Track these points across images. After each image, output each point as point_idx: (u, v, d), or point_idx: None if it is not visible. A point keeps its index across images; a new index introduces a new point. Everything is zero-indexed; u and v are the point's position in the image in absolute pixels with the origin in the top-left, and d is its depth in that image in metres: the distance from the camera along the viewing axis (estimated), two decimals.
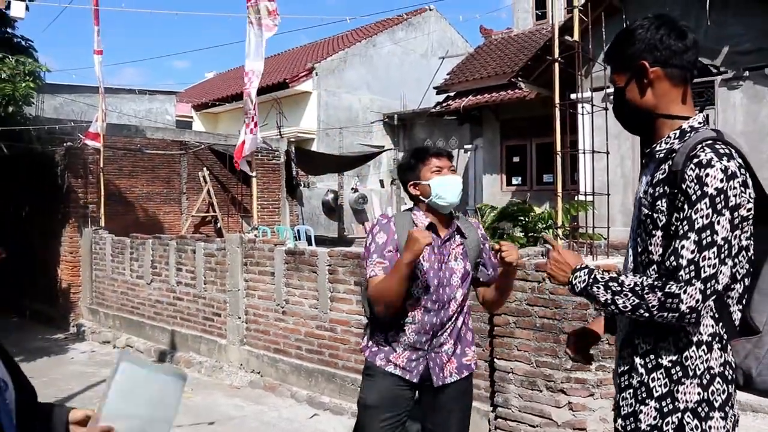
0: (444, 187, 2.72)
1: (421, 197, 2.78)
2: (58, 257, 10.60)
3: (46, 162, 10.80)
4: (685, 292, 1.61)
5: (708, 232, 1.61)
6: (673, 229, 1.70)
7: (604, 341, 4.20)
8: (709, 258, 1.61)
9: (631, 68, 1.85)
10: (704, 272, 1.61)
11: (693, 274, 1.61)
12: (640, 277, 1.74)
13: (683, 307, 1.62)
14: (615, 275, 1.80)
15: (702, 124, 1.81)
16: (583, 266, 1.88)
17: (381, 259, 2.70)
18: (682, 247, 1.64)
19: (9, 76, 8.38)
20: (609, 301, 1.75)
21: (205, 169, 13.09)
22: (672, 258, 1.65)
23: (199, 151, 13.01)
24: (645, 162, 1.92)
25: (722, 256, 1.63)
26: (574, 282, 1.87)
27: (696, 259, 1.62)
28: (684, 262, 1.62)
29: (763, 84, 9.23)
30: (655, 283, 1.67)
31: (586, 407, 4.20)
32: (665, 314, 1.65)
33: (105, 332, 9.32)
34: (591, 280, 1.81)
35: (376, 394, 2.76)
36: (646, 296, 1.67)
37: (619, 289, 1.74)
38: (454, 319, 2.76)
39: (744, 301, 1.76)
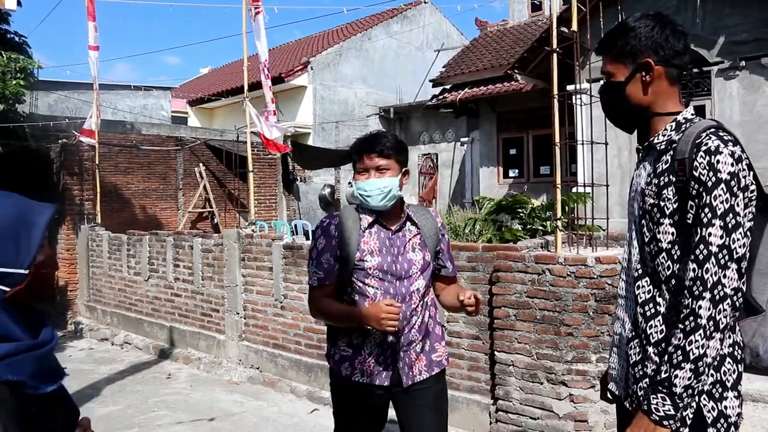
0: (363, 192, 2.58)
1: None
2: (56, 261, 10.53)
3: (41, 159, 10.75)
4: (725, 276, 1.65)
5: (731, 215, 1.67)
6: (688, 216, 1.74)
7: (605, 333, 4.20)
8: (738, 239, 1.67)
9: (634, 64, 1.89)
10: (736, 253, 1.67)
11: (727, 257, 1.66)
12: (673, 319, 1.77)
13: (728, 291, 1.65)
14: (661, 361, 1.75)
15: (694, 116, 1.89)
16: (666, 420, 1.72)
17: (317, 269, 2.62)
18: (710, 234, 1.68)
19: (0, 73, 8.33)
20: (696, 366, 1.66)
21: (201, 164, 13.05)
22: (702, 246, 1.68)
23: (195, 147, 12.97)
24: (642, 155, 1.98)
25: (745, 234, 1.69)
26: (672, 418, 1.71)
27: (726, 243, 1.67)
28: (715, 249, 1.67)
29: (760, 74, 9.20)
30: (692, 293, 1.68)
31: (587, 399, 4.20)
32: (721, 306, 1.65)
33: (103, 329, 9.30)
34: (674, 399, 1.69)
35: (348, 406, 2.68)
36: (697, 313, 1.66)
37: (683, 347, 1.68)
38: (419, 313, 2.63)
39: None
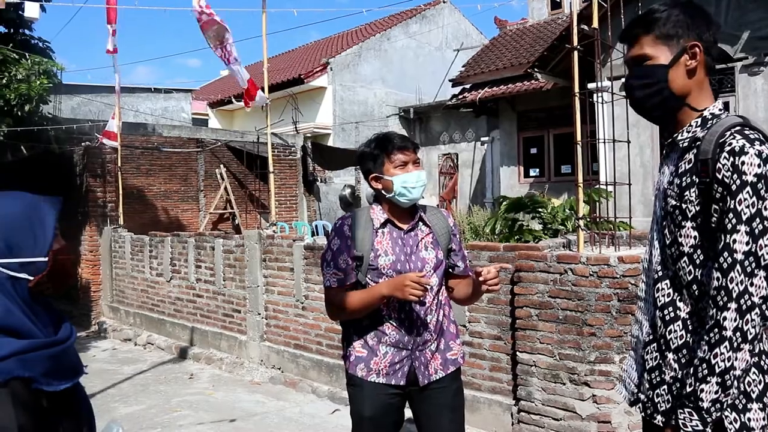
0: (408, 184, 2.59)
1: (383, 192, 2.66)
2: (79, 256, 10.68)
3: (65, 162, 10.88)
4: (752, 284, 1.57)
5: (758, 220, 1.58)
6: (712, 220, 1.66)
7: (628, 333, 4.15)
8: (766, 245, 1.58)
9: (679, 46, 1.78)
10: (764, 260, 1.58)
11: (754, 264, 1.58)
12: (694, 325, 1.70)
13: (756, 300, 1.57)
14: (687, 372, 1.69)
15: (722, 111, 1.79)
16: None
17: (336, 270, 2.62)
18: (734, 241, 1.59)
19: (25, 76, 8.46)
20: (723, 380, 1.60)
21: (222, 166, 13.12)
22: (726, 254, 1.60)
23: (215, 149, 13.04)
24: (666, 152, 1.89)
25: None
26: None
27: (753, 249, 1.58)
28: (740, 256, 1.58)
29: None
30: (716, 303, 1.61)
31: (610, 400, 4.15)
32: (749, 317, 1.58)
33: (126, 330, 9.39)
34: (701, 414, 1.63)
35: (365, 406, 2.68)
36: (722, 325, 1.59)
37: (708, 360, 1.61)
38: (434, 311, 2.63)
39: None
